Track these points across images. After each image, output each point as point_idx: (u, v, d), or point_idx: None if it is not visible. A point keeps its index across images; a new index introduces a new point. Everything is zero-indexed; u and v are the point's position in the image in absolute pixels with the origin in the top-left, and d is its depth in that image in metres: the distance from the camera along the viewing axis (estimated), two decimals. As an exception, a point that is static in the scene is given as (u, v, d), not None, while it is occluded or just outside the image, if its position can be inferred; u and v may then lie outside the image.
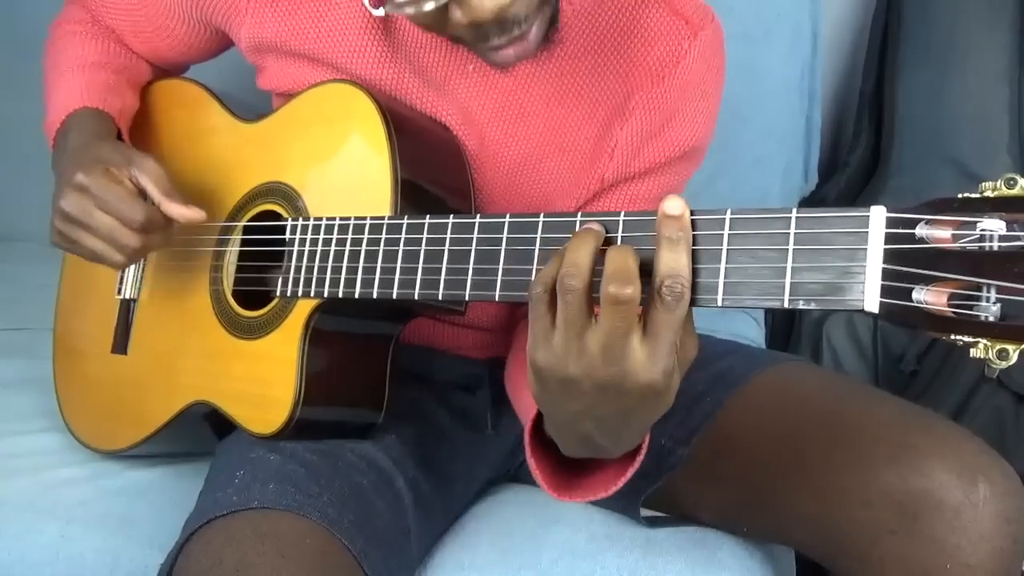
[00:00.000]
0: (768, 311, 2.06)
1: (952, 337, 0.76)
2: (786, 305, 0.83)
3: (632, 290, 0.85)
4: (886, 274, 0.78)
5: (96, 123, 1.37)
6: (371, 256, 1.12)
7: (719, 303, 0.86)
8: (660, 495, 1.31)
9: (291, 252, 1.21)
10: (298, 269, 1.19)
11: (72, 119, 1.37)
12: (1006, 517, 1.10)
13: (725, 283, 0.86)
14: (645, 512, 1.32)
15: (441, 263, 1.05)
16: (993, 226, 0.74)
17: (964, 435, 1.17)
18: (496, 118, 1.27)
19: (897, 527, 1.12)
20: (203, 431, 1.36)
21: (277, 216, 1.27)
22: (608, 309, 0.86)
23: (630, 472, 1.03)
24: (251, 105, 1.42)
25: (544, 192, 1.31)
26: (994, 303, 0.73)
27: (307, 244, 1.19)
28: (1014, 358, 0.74)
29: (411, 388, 1.38)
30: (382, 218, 1.12)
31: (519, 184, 1.30)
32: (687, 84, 1.27)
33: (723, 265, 0.87)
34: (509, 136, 1.28)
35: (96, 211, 1.22)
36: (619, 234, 0.92)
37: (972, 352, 0.75)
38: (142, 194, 1.25)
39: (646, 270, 0.87)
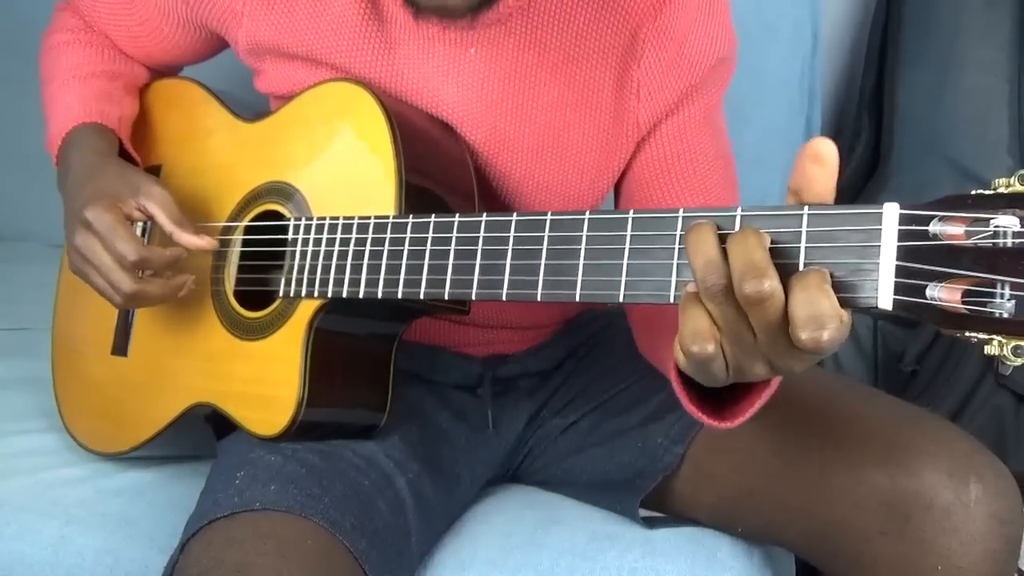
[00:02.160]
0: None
1: (966, 334, 0.76)
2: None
3: (770, 284, 0.82)
4: (900, 271, 0.78)
5: (96, 139, 1.36)
6: (375, 256, 1.12)
7: None
8: (658, 495, 1.31)
9: (294, 252, 1.21)
10: (301, 269, 1.19)
11: (72, 136, 1.37)
12: (999, 518, 1.10)
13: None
14: (644, 512, 1.32)
15: (447, 262, 1.06)
16: (1007, 222, 0.74)
17: (956, 434, 1.17)
18: (506, 100, 1.26)
19: (888, 528, 1.12)
20: (204, 433, 1.35)
21: (279, 216, 1.26)
22: (753, 310, 0.83)
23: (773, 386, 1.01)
24: (251, 104, 1.41)
25: (577, 161, 1.29)
26: (1008, 299, 0.73)
27: (310, 244, 1.19)
28: (1029, 354, 0.75)
29: (411, 388, 1.38)
30: (387, 217, 1.13)
31: (547, 162, 1.28)
32: (690, 2, 1.25)
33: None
34: (523, 115, 1.27)
35: (99, 249, 1.23)
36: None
37: (987, 349, 0.75)
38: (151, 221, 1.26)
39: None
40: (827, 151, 0.83)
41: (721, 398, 1.04)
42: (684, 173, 1.29)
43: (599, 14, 1.25)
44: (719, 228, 0.87)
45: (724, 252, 0.84)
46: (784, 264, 0.83)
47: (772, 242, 0.84)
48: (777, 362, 0.87)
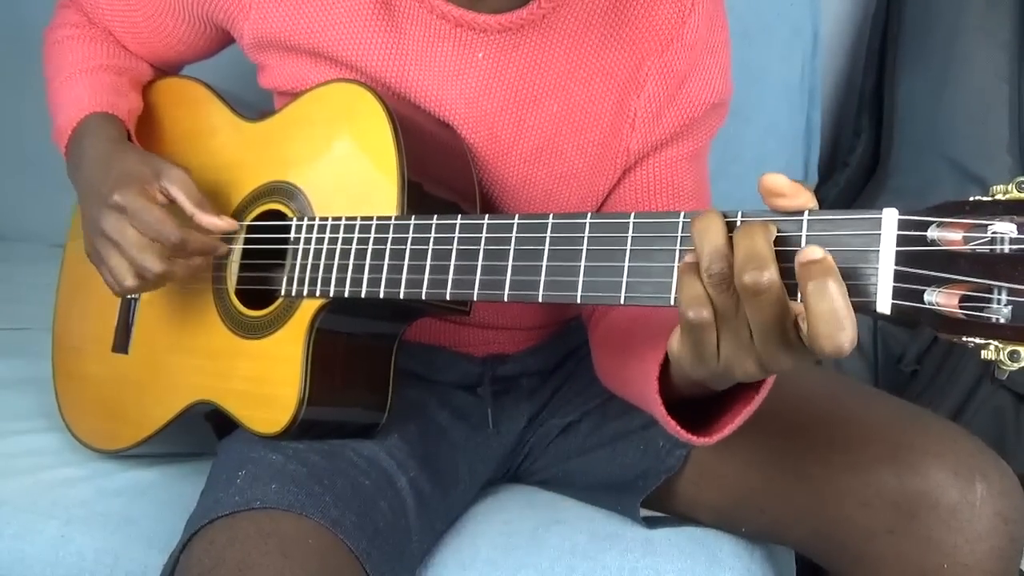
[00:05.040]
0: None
1: (963, 339, 0.76)
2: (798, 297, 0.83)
3: (769, 275, 0.82)
4: (898, 276, 0.78)
5: (109, 128, 1.36)
6: (377, 256, 1.12)
7: None
8: (659, 495, 1.31)
9: (296, 251, 1.21)
10: (303, 268, 1.20)
11: (83, 126, 1.37)
12: (1003, 516, 1.11)
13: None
14: (645, 512, 1.32)
15: (449, 263, 1.06)
16: (1004, 229, 0.74)
17: (961, 434, 1.18)
18: (507, 108, 1.27)
19: (894, 527, 1.13)
20: (204, 431, 1.35)
21: (281, 216, 1.27)
22: (751, 301, 0.83)
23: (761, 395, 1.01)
24: (253, 103, 1.42)
25: (567, 177, 1.30)
26: (1005, 305, 0.74)
27: (312, 243, 1.19)
28: (1025, 360, 0.75)
29: (412, 388, 1.38)
30: (389, 218, 1.13)
31: (538, 173, 1.29)
32: (695, 43, 1.26)
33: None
34: (522, 125, 1.27)
35: (129, 230, 1.22)
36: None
37: (983, 354, 0.75)
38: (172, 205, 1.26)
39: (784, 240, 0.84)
40: (780, 183, 0.85)
41: (699, 415, 1.05)
42: (661, 205, 1.31)
43: (609, 40, 1.26)
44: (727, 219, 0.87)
45: (731, 242, 0.85)
46: (789, 264, 0.83)
47: (779, 232, 0.85)
48: (768, 361, 0.87)
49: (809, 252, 0.81)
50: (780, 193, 0.85)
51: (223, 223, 1.25)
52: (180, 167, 1.27)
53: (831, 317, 0.79)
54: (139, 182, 1.24)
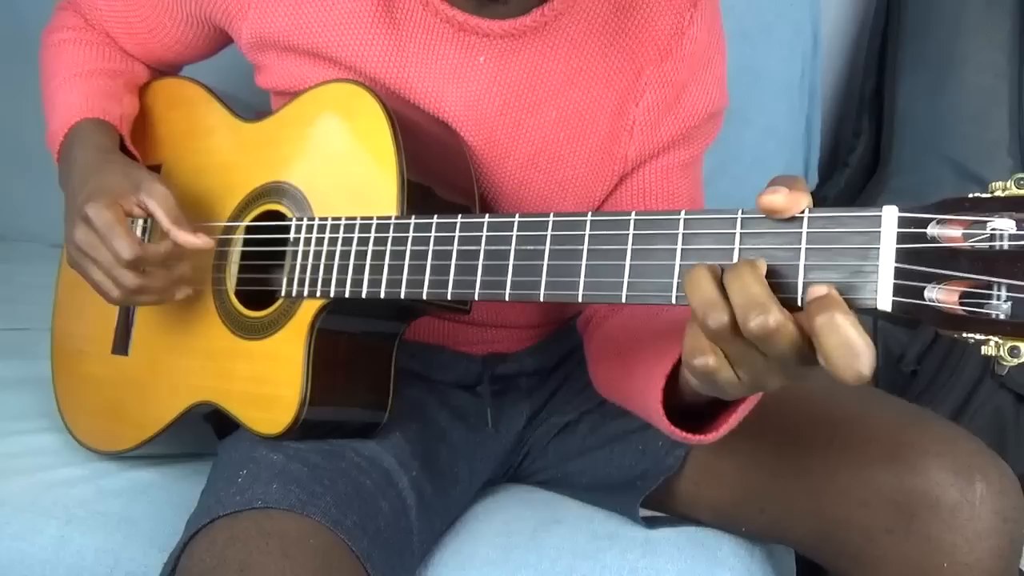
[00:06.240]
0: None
1: (964, 335, 0.76)
2: (799, 304, 0.83)
3: (774, 318, 0.81)
4: (898, 273, 0.79)
5: (99, 135, 1.36)
6: (378, 256, 1.12)
7: None
8: (659, 495, 1.32)
9: (295, 252, 1.21)
10: (303, 268, 1.19)
11: (74, 132, 1.37)
12: (1003, 516, 1.11)
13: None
14: (645, 512, 1.32)
15: (450, 263, 1.06)
16: (1004, 225, 0.74)
17: (961, 434, 1.18)
18: (506, 111, 1.27)
19: (894, 526, 1.13)
20: (205, 432, 1.35)
21: (280, 216, 1.26)
22: (763, 343, 0.83)
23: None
24: (251, 104, 1.41)
25: (564, 182, 1.31)
26: (1005, 301, 0.74)
27: (312, 244, 1.19)
28: (1025, 355, 0.75)
29: (411, 387, 1.38)
30: (389, 218, 1.13)
31: (535, 178, 1.30)
32: (694, 54, 1.28)
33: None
34: (520, 129, 1.28)
35: (99, 245, 1.22)
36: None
37: (983, 350, 0.75)
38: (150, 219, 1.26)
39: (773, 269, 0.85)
40: (776, 202, 0.84)
41: (698, 413, 1.06)
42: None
43: (610, 48, 1.27)
44: (719, 263, 0.87)
45: (724, 289, 0.85)
46: (785, 283, 0.84)
47: (769, 265, 0.85)
48: (796, 378, 0.87)
49: (814, 290, 0.82)
50: (780, 212, 0.84)
51: (198, 240, 1.24)
52: (162, 184, 1.26)
53: (845, 350, 0.79)
54: (112, 194, 1.24)
